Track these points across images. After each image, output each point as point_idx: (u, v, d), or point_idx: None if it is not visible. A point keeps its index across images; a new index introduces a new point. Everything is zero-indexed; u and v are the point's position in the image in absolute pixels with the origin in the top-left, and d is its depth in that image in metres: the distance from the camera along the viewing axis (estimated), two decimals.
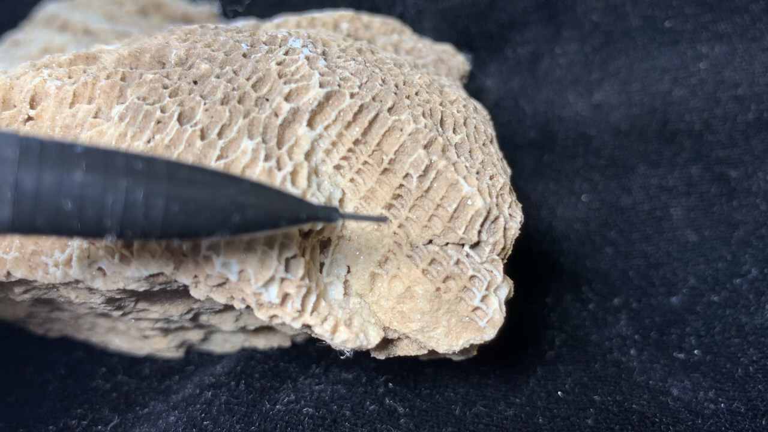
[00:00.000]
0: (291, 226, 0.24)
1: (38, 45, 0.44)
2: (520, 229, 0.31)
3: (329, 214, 0.24)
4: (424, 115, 0.31)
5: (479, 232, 0.30)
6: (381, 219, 0.27)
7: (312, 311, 0.28)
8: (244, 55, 0.31)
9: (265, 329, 0.39)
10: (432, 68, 0.39)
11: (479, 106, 0.36)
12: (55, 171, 0.20)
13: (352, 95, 0.30)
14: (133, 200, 0.21)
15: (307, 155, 0.29)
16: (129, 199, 0.21)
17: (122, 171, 0.21)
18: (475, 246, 0.30)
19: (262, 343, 0.40)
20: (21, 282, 0.30)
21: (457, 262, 0.30)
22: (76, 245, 0.28)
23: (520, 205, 0.32)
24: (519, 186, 0.50)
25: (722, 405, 0.35)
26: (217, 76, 0.30)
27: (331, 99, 0.30)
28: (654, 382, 0.37)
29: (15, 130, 0.29)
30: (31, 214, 0.20)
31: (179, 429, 0.33)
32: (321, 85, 0.30)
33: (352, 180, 0.30)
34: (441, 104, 0.33)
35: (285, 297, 0.27)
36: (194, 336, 0.40)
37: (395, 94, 0.31)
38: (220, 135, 0.28)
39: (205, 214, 0.22)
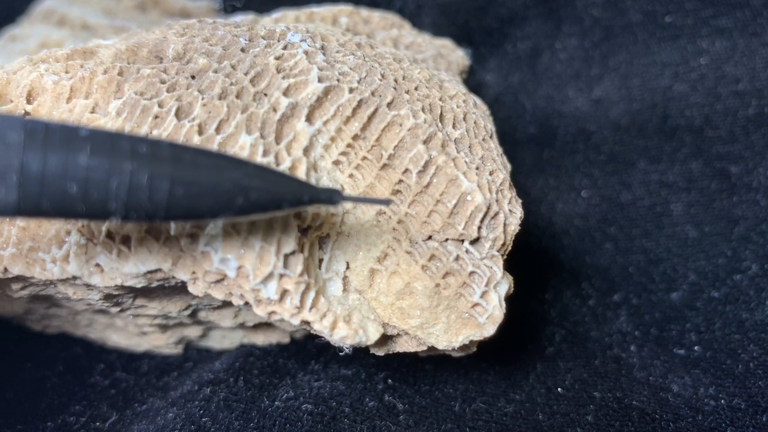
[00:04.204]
0: (293, 208, 0.24)
1: (36, 40, 0.44)
2: (519, 225, 0.31)
3: (331, 196, 0.24)
4: (424, 111, 0.31)
5: (479, 228, 0.30)
6: (384, 202, 0.26)
7: (311, 308, 0.28)
8: (243, 50, 0.31)
9: (264, 326, 0.39)
10: (431, 63, 0.38)
11: (479, 101, 0.36)
12: (60, 154, 0.20)
13: (351, 90, 0.30)
14: (137, 183, 0.21)
15: (306, 151, 0.29)
16: (133, 182, 0.21)
17: (127, 154, 0.21)
18: (474, 242, 0.30)
19: (260, 339, 0.40)
20: (18, 278, 0.30)
21: (457, 258, 0.29)
22: (73, 241, 0.28)
23: (520, 201, 0.32)
24: (519, 182, 0.50)
25: (722, 401, 0.35)
26: (215, 71, 0.30)
27: (329, 94, 0.30)
28: (654, 378, 0.37)
29: (20, 114, 0.29)
30: (37, 198, 0.20)
31: (178, 425, 0.33)
32: (320, 80, 0.30)
33: (351, 176, 0.30)
34: (440, 99, 0.32)
35: (284, 293, 0.27)
36: (193, 332, 0.40)
37: (394, 89, 0.31)
38: (218, 130, 0.28)
39: (209, 196, 0.22)
